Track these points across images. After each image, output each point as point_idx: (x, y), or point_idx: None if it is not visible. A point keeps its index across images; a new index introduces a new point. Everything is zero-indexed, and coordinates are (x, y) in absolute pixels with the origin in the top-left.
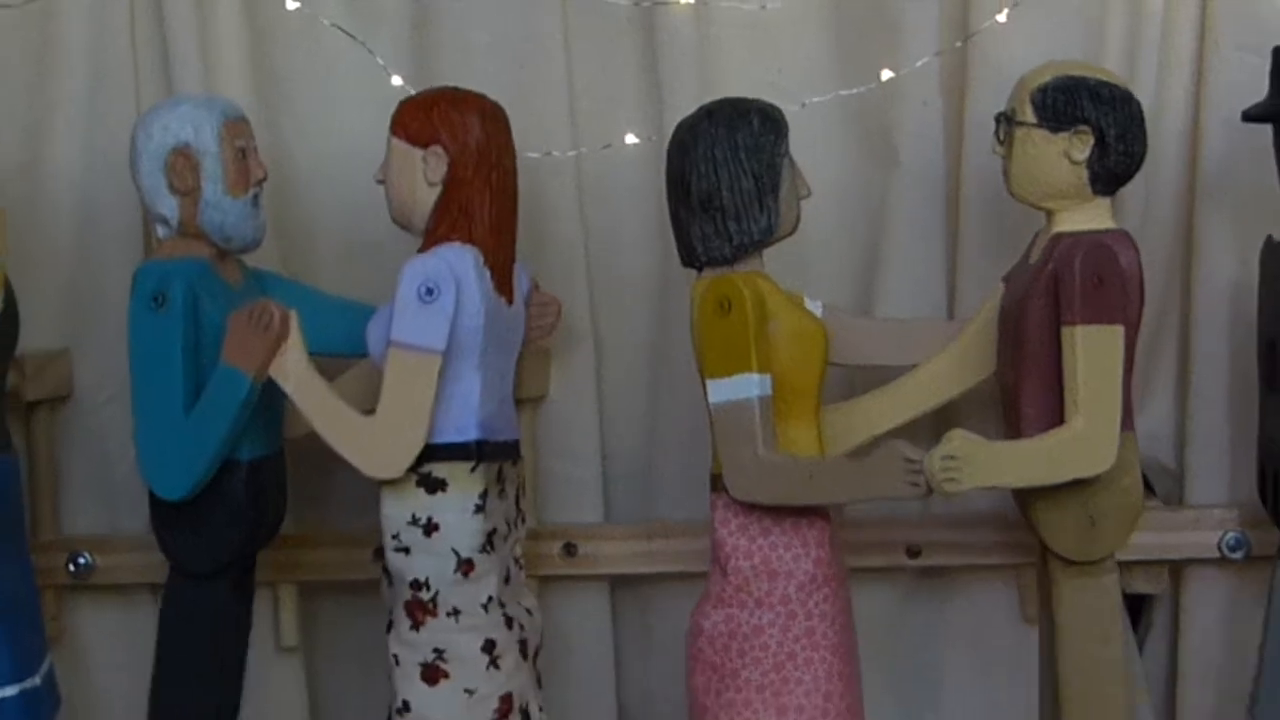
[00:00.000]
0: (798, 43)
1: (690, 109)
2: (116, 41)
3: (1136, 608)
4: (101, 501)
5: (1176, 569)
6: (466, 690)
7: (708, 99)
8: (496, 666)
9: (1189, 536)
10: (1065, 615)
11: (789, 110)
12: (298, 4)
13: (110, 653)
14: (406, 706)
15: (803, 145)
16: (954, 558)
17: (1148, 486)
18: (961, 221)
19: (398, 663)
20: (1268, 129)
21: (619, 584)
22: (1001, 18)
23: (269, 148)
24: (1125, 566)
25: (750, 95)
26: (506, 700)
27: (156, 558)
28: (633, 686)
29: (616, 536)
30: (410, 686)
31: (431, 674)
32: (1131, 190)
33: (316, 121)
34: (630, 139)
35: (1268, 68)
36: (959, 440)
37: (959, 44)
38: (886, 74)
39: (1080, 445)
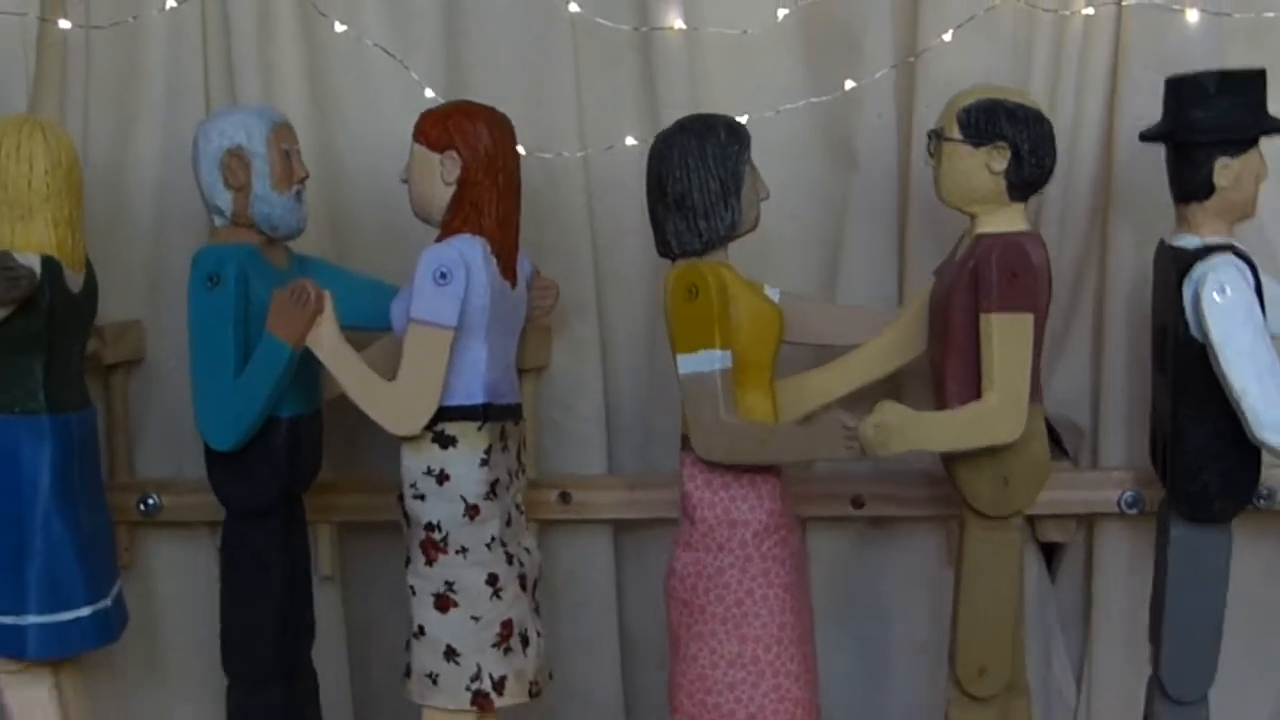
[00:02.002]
0: (774, 63)
1: None
2: (190, 59)
3: (1050, 554)
4: (168, 450)
5: (1089, 522)
6: (473, 617)
7: (697, 109)
8: (499, 597)
9: (1094, 494)
10: (973, 560)
11: (764, 117)
12: (345, 27)
13: (174, 580)
14: (422, 630)
15: (776, 153)
16: (892, 509)
17: (1060, 446)
18: (910, 218)
19: (414, 593)
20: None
21: (621, 527)
22: (947, 37)
23: (322, 149)
24: (1040, 519)
25: (733, 106)
26: (507, 625)
27: (214, 499)
28: (634, 613)
29: (608, 486)
30: (425, 613)
31: (443, 603)
32: (1051, 190)
33: (361, 127)
34: (630, 141)
35: None
36: (889, 410)
37: (911, 59)
38: (849, 84)
39: (993, 417)
